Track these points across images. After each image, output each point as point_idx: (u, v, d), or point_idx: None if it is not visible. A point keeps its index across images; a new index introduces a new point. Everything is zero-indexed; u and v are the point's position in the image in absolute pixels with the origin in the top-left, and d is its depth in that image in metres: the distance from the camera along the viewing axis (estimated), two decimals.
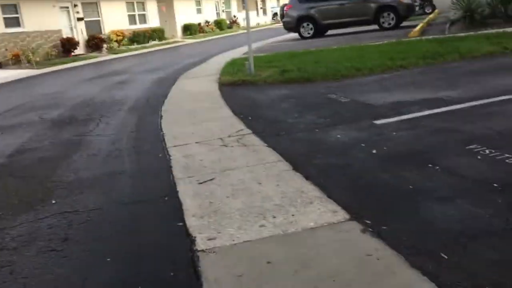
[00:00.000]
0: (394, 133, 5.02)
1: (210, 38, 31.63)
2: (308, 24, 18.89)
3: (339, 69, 9.21)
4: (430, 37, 12.69)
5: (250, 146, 5.24)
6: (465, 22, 14.01)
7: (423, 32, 14.85)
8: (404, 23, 18.25)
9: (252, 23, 42.85)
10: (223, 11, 39.38)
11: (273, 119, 6.43)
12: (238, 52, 17.01)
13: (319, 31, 19.07)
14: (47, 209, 4.06)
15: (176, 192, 4.10)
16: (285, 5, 19.96)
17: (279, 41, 19.99)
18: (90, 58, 22.17)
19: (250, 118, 6.55)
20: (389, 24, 17.55)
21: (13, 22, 21.21)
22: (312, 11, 18.67)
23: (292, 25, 19.18)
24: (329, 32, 19.78)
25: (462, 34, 12.07)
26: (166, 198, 4.02)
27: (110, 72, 15.67)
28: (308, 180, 3.98)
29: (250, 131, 5.83)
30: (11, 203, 4.33)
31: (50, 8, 22.67)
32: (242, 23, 41.24)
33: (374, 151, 4.51)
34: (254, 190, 3.92)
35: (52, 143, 6.56)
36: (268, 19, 48.08)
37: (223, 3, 39.43)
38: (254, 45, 19.10)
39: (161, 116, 7.40)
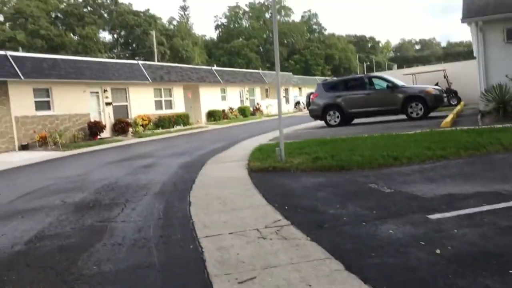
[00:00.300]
0: (456, 231, 4.47)
1: (234, 124, 31.98)
2: (334, 112, 18.87)
3: (375, 157, 8.80)
4: (465, 127, 12.35)
5: (291, 239, 4.72)
6: (498, 114, 13.72)
7: (454, 123, 14.56)
8: (432, 114, 18.11)
9: (275, 111, 43.60)
10: (247, 98, 40.28)
11: (312, 209, 5.93)
12: (264, 138, 16.87)
13: (345, 120, 19.00)
14: None
15: None
16: (311, 93, 20.14)
17: (305, 128, 19.92)
18: (116, 142, 22.35)
19: (286, 207, 6.08)
20: (417, 114, 17.40)
21: (44, 105, 21.75)
22: (339, 100, 18.72)
23: (318, 113, 19.19)
24: (355, 121, 19.70)
25: (499, 126, 11.71)
26: None
27: (135, 156, 15.56)
28: (367, 284, 3.42)
29: (288, 222, 5.34)
30: None
31: (80, 93, 23.32)
32: (265, 110, 42.00)
33: (437, 251, 3.95)
34: None
35: (73, 229, 6.12)
36: (290, 107, 48.96)
37: (247, 91, 40.42)
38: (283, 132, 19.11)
39: (190, 203, 6.98)
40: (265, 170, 9.37)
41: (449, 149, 8.89)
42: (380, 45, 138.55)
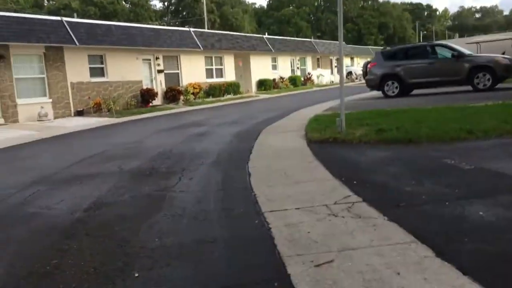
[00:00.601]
0: None
1: (285, 94, 31.42)
2: (393, 83, 17.97)
3: (446, 130, 8.14)
4: None
5: (366, 218, 4.30)
6: None
7: None
8: (499, 85, 16.90)
9: (326, 81, 42.59)
10: (297, 68, 39.44)
11: (384, 185, 5.46)
12: (318, 109, 16.30)
13: (404, 91, 18.06)
14: (128, 285, 3.29)
15: (287, 275, 3.23)
16: (368, 62, 19.24)
17: (361, 99, 19.14)
18: (167, 109, 22.37)
19: (354, 182, 5.63)
20: (484, 85, 16.24)
21: (98, 72, 21.93)
22: (398, 69, 17.77)
23: (376, 83, 18.34)
24: (414, 92, 18.71)
25: None
26: (275, 284, 3.13)
27: (187, 124, 15.41)
28: (466, 276, 2.97)
29: (360, 199, 4.91)
30: (86, 272, 3.61)
31: (133, 60, 23.36)
32: (316, 80, 41.06)
33: None
34: (395, 284, 2.95)
35: (132, 197, 5.93)
36: None
37: (298, 60, 39.54)
38: (335, 102, 18.42)
39: (249, 174, 6.65)
40: (325, 142, 8.90)
41: None
42: (438, 13, 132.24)
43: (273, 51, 35.03)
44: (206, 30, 31.78)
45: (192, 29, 28.26)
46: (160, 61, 25.11)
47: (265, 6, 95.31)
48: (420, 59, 17.59)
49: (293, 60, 39.00)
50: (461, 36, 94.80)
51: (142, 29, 24.94)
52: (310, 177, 6.17)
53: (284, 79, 36.11)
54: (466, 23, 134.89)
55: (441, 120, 9.33)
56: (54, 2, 62.41)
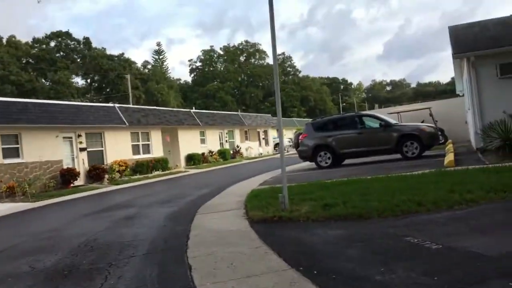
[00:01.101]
0: None
1: (215, 168, 30.74)
2: (325, 153, 17.93)
3: (396, 203, 7.73)
4: (476, 166, 11.48)
5: None
6: (504, 151, 12.97)
7: (456, 161, 13.72)
8: (426, 153, 17.35)
9: (255, 153, 42.62)
10: (226, 141, 39.24)
11: (351, 274, 4.74)
12: (253, 183, 15.71)
13: (337, 161, 18.05)
14: None
15: None
16: (300, 133, 19.22)
17: (295, 170, 18.83)
18: (91, 190, 20.79)
19: (315, 272, 4.88)
20: (413, 153, 16.57)
21: (12, 152, 20.18)
22: (329, 140, 17.82)
23: (308, 154, 18.21)
24: (346, 161, 18.76)
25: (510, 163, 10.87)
26: None
27: (114, 205, 14.13)
28: None
29: None
30: None
31: (52, 138, 21.86)
32: (245, 153, 40.95)
33: None
34: None
35: None
36: (270, 149, 48.08)
37: (226, 133, 39.43)
38: (269, 175, 17.97)
39: (190, 267, 5.71)
40: (269, 221, 8.18)
41: (476, 191, 7.89)
42: (353, 86, 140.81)
43: (201, 125, 34.69)
44: (131, 105, 30.92)
45: (117, 105, 27.32)
46: (83, 138, 23.74)
47: (190, 82, 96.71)
48: (350, 129, 17.80)
49: (222, 133, 38.84)
50: (372, 108, 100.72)
51: (62, 106, 23.65)
52: (263, 267, 5.34)
53: (213, 153, 35.61)
54: (378, 95, 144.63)
55: (387, 191, 8.97)
56: None
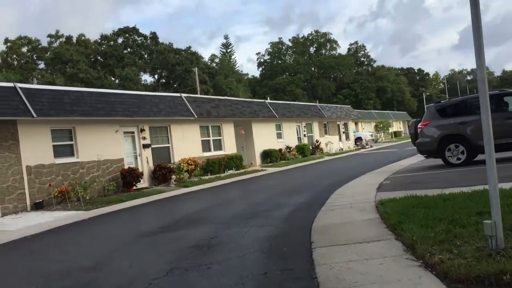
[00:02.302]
0: None
1: (295, 166, 26.66)
2: (457, 146, 13.32)
3: None
4: None
5: None
6: None
7: None
8: None
9: (336, 148, 38.13)
10: (304, 135, 35.05)
11: None
12: (363, 187, 11.56)
13: (472, 156, 13.36)
14: None
15: None
16: (417, 121, 14.66)
17: (412, 170, 14.34)
18: (155, 194, 17.38)
19: None
20: None
21: (66, 150, 17.19)
22: (463, 128, 13.18)
23: (433, 147, 13.64)
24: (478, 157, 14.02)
25: None
26: None
27: (183, 220, 10.43)
28: None
29: None
30: None
31: (112, 133, 18.72)
32: (325, 148, 36.59)
33: None
34: None
35: None
36: (351, 144, 43.31)
37: (304, 126, 35.24)
38: (375, 175, 13.62)
39: None
40: (480, 281, 3.96)
41: None
42: (428, 77, 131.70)
43: (277, 117, 30.71)
44: (200, 95, 27.49)
45: (184, 95, 23.91)
46: (146, 133, 20.50)
47: (258, 76, 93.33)
48: (493, 113, 13.01)
49: (299, 126, 34.69)
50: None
51: (123, 95, 20.47)
52: None
53: (291, 149, 31.54)
54: (459, 86, 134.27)
55: None
56: (38, 80, 59.12)
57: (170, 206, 13.73)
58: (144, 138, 20.34)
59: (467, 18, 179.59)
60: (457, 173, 12.03)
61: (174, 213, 11.93)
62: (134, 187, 18.69)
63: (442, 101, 14.19)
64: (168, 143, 21.94)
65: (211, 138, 24.84)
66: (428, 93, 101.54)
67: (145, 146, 20.39)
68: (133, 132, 20.09)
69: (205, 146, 24.28)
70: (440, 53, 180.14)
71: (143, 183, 19.70)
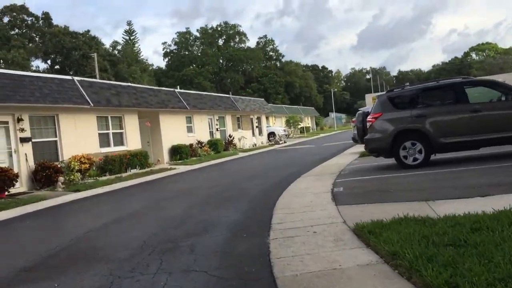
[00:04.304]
0: None
1: (209, 163, 23.59)
2: (414, 144, 11.09)
3: None
4: None
5: None
6: None
7: None
8: None
9: (249, 144, 35.68)
10: (217, 129, 32.01)
11: None
12: (305, 196, 8.83)
13: (429, 156, 11.25)
14: None
15: None
16: (367, 112, 12.27)
17: (360, 172, 11.90)
18: (33, 202, 13.38)
19: None
20: None
21: None
22: (422, 122, 10.99)
23: (385, 145, 11.31)
24: (438, 157, 11.99)
25: None
26: None
27: (57, 254, 6.95)
28: None
29: None
30: None
31: None
32: (238, 144, 33.90)
33: None
34: None
35: None
36: (264, 139, 41.06)
37: (217, 120, 32.18)
38: (323, 181, 11.03)
39: None
40: None
41: None
42: (332, 74, 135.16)
43: (188, 108, 27.37)
44: (98, 80, 23.26)
45: (77, 78, 19.77)
46: (26, 124, 16.26)
47: (164, 67, 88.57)
48: (456, 104, 11.02)
49: (211, 119, 31.60)
50: (353, 96, 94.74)
51: None
52: None
53: (203, 144, 28.38)
54: (359, 83, 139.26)
55: None
56: None
57: (48, 224, 10.02)
58: (22, 130, 16.07)
59: (366, 20, 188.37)
60: (422, 177, 9.76)
61: (50, 237, 8.34)
62: (7, 193, 14.49)
63: (396, 89, 11.93)
64: (56, 137, 17.80)
65: (110, 131, 20.95)
66: (335, 89, 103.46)
67: (24, 140, 16.14)
68: (6, 122, 15.77)
69: (104, 140, 20.38)
70: (341, 53, 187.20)
71: (20, 187, 15.53)
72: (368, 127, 11.71)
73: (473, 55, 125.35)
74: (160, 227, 7.95)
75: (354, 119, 19.48)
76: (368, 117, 11.75)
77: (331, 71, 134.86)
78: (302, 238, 6.02)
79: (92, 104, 18.82)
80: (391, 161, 12.64)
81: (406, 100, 11.56)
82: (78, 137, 18.46)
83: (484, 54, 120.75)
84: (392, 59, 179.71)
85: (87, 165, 17.87)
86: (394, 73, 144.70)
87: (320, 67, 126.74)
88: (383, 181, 9.86)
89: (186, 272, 5.16)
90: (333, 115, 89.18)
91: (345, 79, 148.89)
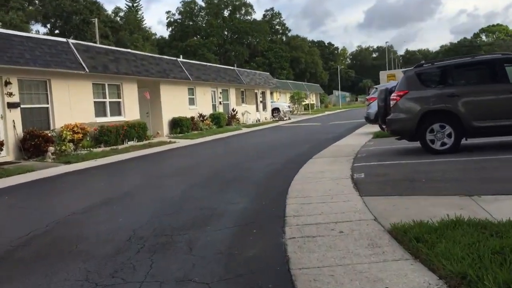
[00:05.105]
0: None
1: (211, 138, 22.42)
2: (443, 127, 9.86)
3: None
4: None
5: None
6: None
7: None
8: None
9: (252, 119, 34.47)
10: (220, 103, 30.68)
11: None
12: (321, 181, 7.66)
13: (459, 141, 10.02)
14: None
15: None
16: (390, 89, 10.95)
17: (380, 155, 10.69)
18: (19, 173, 12.26)
19: None
20: None
21: None
22: (454, 102, 9.73)
23: (410, 127, 10.06)
24: (466, 143, 10.76)
25: None
26: None
27: (30, 240, 5.81)
28: None
29: None
30: None
31: None
32: (241, 119, 32.65)
33: None
34: None
35: None
36: (268, 115, 39.77)
37: (220, 93, 30.83)
38: (340, 164, 9.82)
39: None
40: None
41: None
42: (338, 51, 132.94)
43: (190, 79, 25.99)
44: (95, 44, 21.79)
45: (72, 41, 18.39)
46: (14, 87, 14.98)
47: (167, 37, 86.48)
48: (495, 83, 9.74)
49: (214, 92, 30.25)
50: (359, 74, 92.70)
51: None
52: None
53: (205, 118, 27.13)
54: (365, 62, 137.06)
55: None
56: None
57: (27, 201, 8.85)
58: (10, 94, 14.80)
59: None
60: (454, 165, 8.56)
61: (24, 220, 7.18)
62: None
63: (425, 65, 10.62)
64: (47, 103, 16.54)
65: (107, 100, 19.68)
66: (342, 66, 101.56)
67: (12, 106, 14.89)
68: None
69: (99, 109, 19.13)
70: (347, 31, 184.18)
71: (6, 156, 14.40)
72: (391, 106, 10.43)
73: (483, 37, 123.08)
74: (154, 213, 6.79)
75: (369, 97, 18.20)
76: (392, 95, 10.45)
77: (337, 48, 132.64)
78: (327, 239, 4.86)
79: (87, 70, 17.49)
80: (412, 144, 11.47)
81: (436, 77, 10.28)
82: (72, 104, 17.20)
83: (494, 36, 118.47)
84: (402, 38, 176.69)
85: (81, 135, 16.67)
86: (401, 52, 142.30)
87: (326, 44, 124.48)
88: (409, 168, 8.67)
89: (182, 283, 4.00)
90: (337, 93, 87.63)
91: (351, 56, 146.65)
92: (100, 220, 6.70)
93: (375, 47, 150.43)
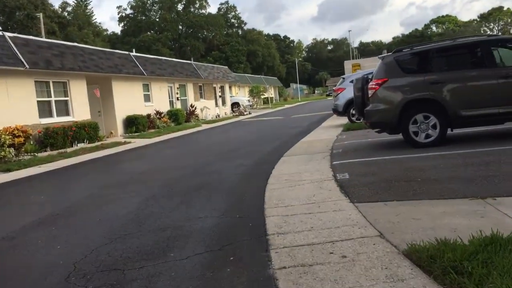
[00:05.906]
0: None
1: (169, 136, 20.99)
2: (427, 118, 8.95)
3: None
4: None
5: None
6: None
7: None
8: None
9: (212, 115, 33.16)
10: (178, 99, 29.17)
11: None
12: (302, 184, 6.57)
13: (445, 132, 9.14)
14: None
15: None
16: (367, 78, 9.93)
17: (360, 150, 9.69)
18: None
19: None
20: None
21: None
22: (438, 90, 8.83)
23: (392, 119, 9.11)
24: (455, 133, 9.91)
25: None
26: None
27: None
28: None
29: None
30: None
31: None
32: (201, 114, 31.27)
33: None
34: None
35: None
36: (228, 110, 38.49)
37: (177, 88, 29.30)
38: (316, 163, 8.74)
39: None
40: None
41: None
42: (293, 44, 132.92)
43: (145, 74, 24.41)
44: (36, 38, 19.96)
45: (8, 34, 16.53)
46: None
47: (119, 33, 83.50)
48: (480, 67, 8.92)
49: (171, 88, 28.72)
50: (314, 67, 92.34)
51: None
52: None
53: (163, 115, 25.62)
54: (321, 54, 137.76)
55: None
56: None
57: None
58: None
59: None
60: (448, 159, 7.64)
61: None
62: None
63: (405, 50, 9.67)
64: None
65: (53, 99, 17.93)
66: (299, 59, 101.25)
67: None
68: None
69: (44, 109, 17.38)
70: (302, 24, 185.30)
71: None
72: (369, 95, 9.44)
73: (433, 28, 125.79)
74: (102, 236, 5.48)
75: (336, 88, 17.30)
76: (370, 83, 9.46)
77: (293, 41, 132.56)
78: (328, 269, 3.73)
79: (27, 66, 15.74)
80: (391, 137, 10.59)
81: (418, 63, 9.35)
82: (11, 105, 15.44)
83: (444, 26, 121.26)
84: (355, 30, 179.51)
85: (22, 139, 14.96)
86: (355, 44, 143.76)
87: (282, 37, 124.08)
88: (398, 165, 7.69)
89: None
90: (295, 86, 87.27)
91: (307, 49, 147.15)
92: (33, 248, 5.32)
93: (330, 39, 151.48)
